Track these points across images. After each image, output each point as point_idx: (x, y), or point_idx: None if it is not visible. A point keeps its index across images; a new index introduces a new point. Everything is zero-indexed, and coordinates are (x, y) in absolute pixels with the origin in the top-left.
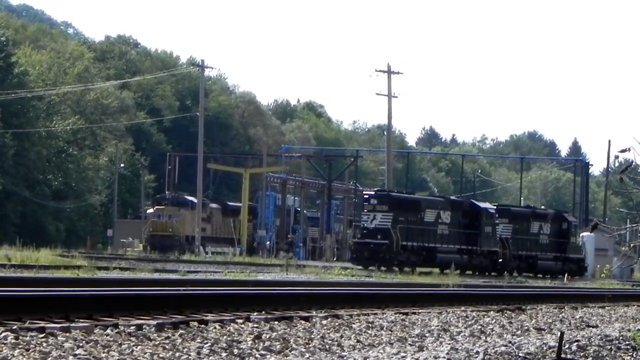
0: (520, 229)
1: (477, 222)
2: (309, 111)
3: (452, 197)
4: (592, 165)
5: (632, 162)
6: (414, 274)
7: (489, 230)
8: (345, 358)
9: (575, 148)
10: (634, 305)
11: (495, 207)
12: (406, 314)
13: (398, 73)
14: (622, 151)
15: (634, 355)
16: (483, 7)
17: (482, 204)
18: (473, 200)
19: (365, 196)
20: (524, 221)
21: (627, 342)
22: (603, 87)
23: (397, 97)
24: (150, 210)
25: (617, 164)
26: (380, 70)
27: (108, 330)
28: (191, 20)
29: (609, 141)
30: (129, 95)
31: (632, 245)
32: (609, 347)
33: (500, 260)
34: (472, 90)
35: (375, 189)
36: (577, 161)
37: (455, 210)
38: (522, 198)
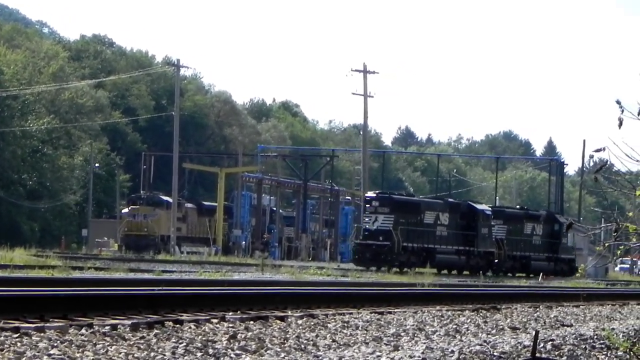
0: (514, 230)
1: (474, 223)
2: (285, 111)
3: (450, 199)
4: (567, 164)
5: (606, 162)
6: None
7: (485, 232)
8: (320, 358)
9: (550, 148)
10: (608, 305)
11: (491, 209)
12: (382, 313)
13: (374, 73)
14: (597, 151)
15: (608, 354)
16: (458, 7)
17: (479, 206)
18: (470, 202)
19: (367, 198)
20: (518, 222)
21: (601, 341)
22: (577, 87)
23: (372, 96)
24: (125, 210)
25: (591, 164)
26: (356, 70)
27: (83, 330)
28: (167, 19)
29: (584, 141)
30: (104, 94)
31: (606, 244)
32: (583, 346)
33: (496, 260)
34: (447, 90)
35: (377, 192)
36: (552, 161)
37: (453, 212)
38: (497, 198)
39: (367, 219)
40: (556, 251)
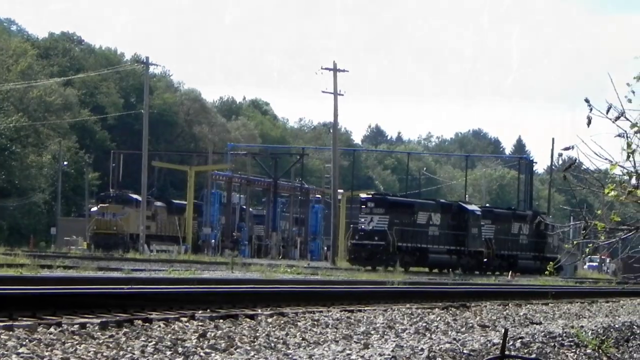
0: (502, 230)
1: (465, 223)
2: (255, 109)
3: (442, 200)
4: (536, 163)
5: (575, 160)
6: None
7: (475, 232)
8: (290, 356)
9: (520, 146)
10: (577, 302)
11: (480, 209)
12: (352, 311)
13: (344, 71)
14: (566, 149)
15: (577, 352)
16: (426, 5)
17: (469, 206)
18: (461, 203)
19: (363, 199)
20: (506, 222)
21: (570, 339)
22: (546, 85)
23: (342, 94)
24: (94, 208)
25: (560, 162)
26: (325, 68)
27: (51, 329)
28: (135, 17)
29: (553, 139)
30: (73, 92)
31: (575, 242)
32: (552, 344)
33: (485, 260)
34: (417, 89)
35: (372, 193)
36: (521, 159)
37: (444, 213)
38: (467, 196)
39: (362, 220)
40: (542, 250)
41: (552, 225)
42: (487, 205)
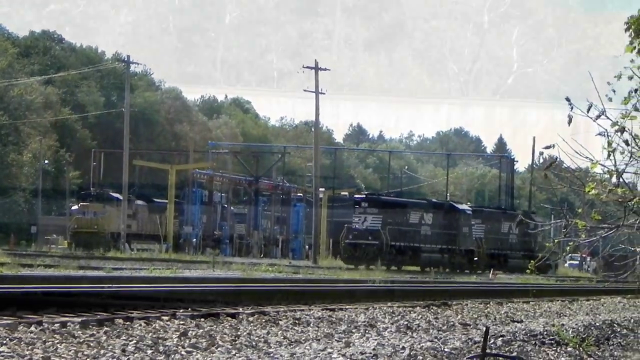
0: (492, 229)
1: (456, 222)
2: (236, 107)
3: (434, 200)
4: (517, 161)
5: (556, 159)
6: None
7: (466, 231)
8: (271, 354)
9: (501, 144)
10: (558, 301)
11: (471, 208)
12: (333, 310)
13: (325, 69)
14: (547, 147)
15: (558, 350)
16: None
17: (460, 206)
18: (452, 202)
19: (357, 199)
20: (496, 221)
21: (551, 337)
22: (527, 84)
23: (324, 93)
24: (75, 207)
25: (541, 161)
26: (307, 67)
27: (32, 328)
28: (116, 15)
29: (534, 138)
30: (54, 91)
31: (556, 241)
32: (533, 342)
33: (476, 258)
34: (399, 87)
35: (366, 193)
36: (502, 157)
37: (436, 212)
38: (448, 194)
39: (356, 219)
40: (531, 249)
41: (541, 224)
42: (469, 203)
